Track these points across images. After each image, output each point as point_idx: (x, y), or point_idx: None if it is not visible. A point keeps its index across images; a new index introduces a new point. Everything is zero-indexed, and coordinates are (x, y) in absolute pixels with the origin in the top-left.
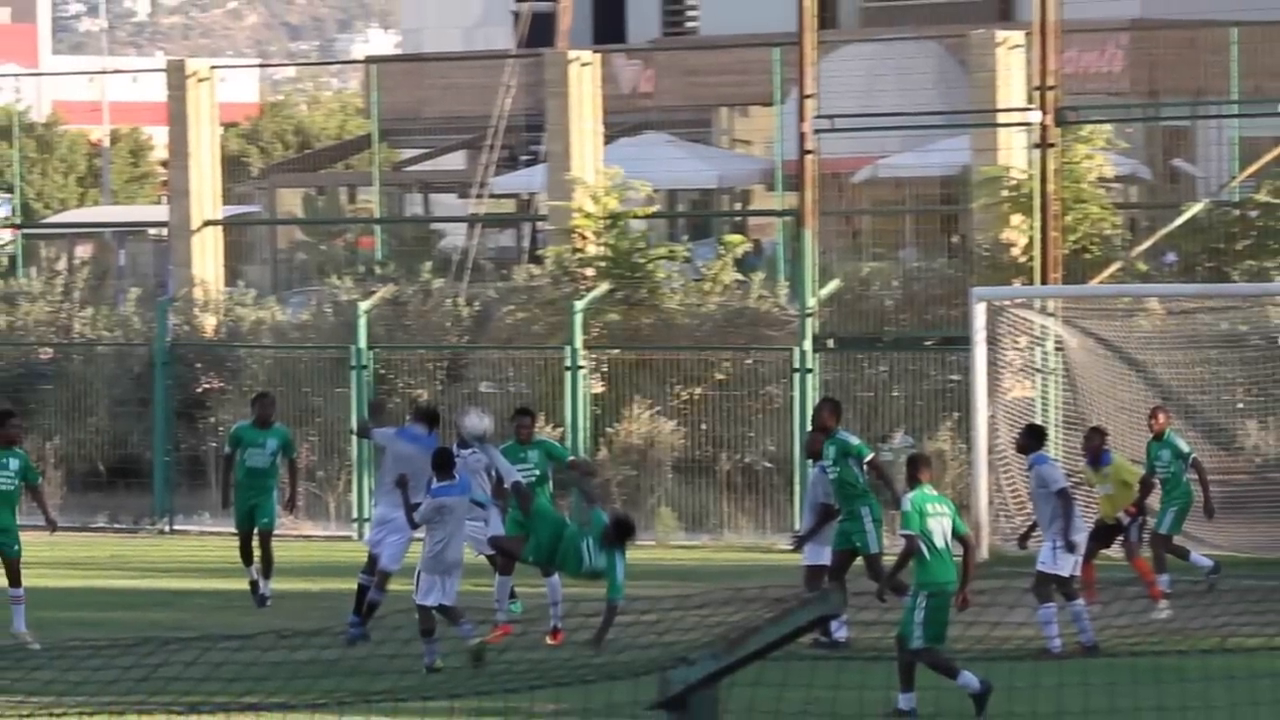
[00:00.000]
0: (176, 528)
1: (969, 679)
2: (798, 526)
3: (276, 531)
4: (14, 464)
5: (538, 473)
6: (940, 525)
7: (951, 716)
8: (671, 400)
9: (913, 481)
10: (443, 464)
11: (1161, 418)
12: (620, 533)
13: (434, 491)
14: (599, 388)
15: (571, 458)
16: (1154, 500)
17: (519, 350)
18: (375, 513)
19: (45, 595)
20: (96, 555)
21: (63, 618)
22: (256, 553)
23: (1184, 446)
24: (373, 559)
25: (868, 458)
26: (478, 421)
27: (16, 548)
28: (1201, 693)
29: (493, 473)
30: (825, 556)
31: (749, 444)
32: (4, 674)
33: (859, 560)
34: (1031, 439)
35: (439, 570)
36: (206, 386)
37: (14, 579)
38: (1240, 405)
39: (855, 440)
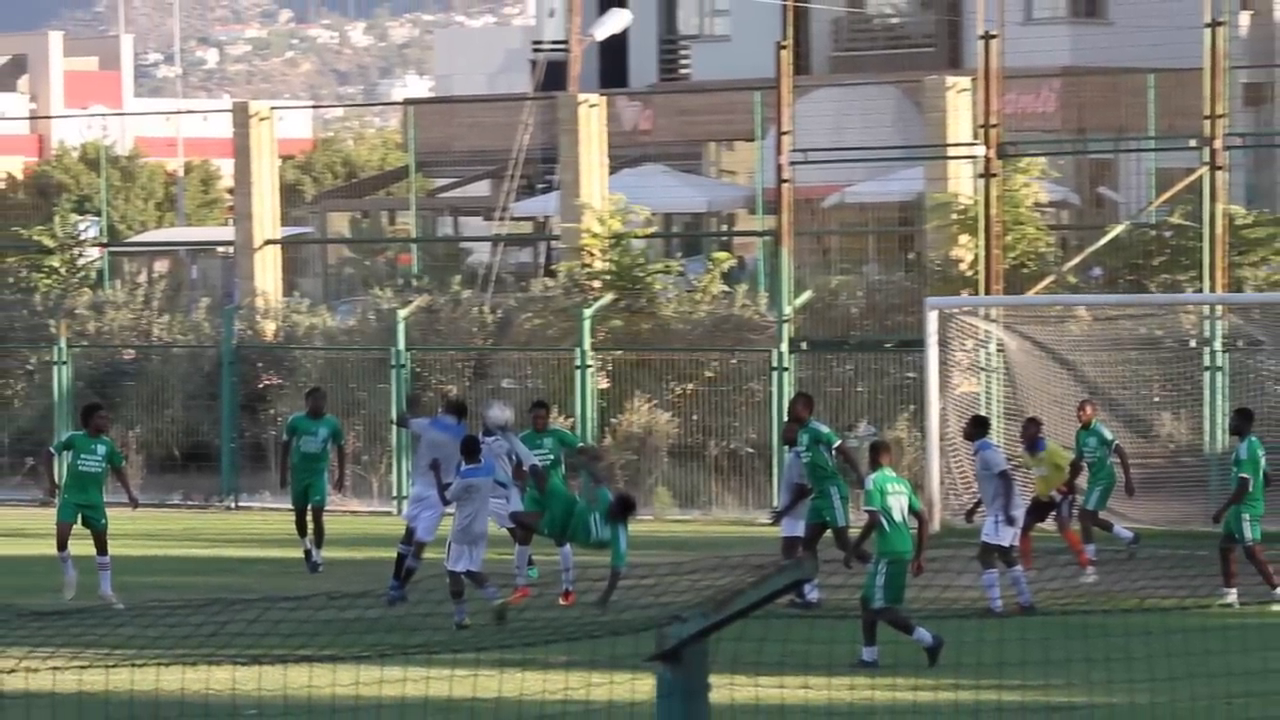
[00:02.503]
0: (241, 505)
1: (923, 635)
2: (776, 503)
3: (327, 508)
4: (101, 449)
5: (552, 457)
6: (898, 502)
7: (909, 667)
8: (667, 395)
9: (874, 465)
10: (470, 450)
11: (1089, 410)
12: (623, 509)
13: (463, 473)
14: (604, 384)
15: (581, 444)
16: (1082, 480)
17: (535, 351)
18: (412, 491)
19: (128, 563)
20: (172, 528)
21: (144, 581)
22: (310, 526)
23: (1108, 434)
24: (410, 531)
25: (836, 444)
26: (500, 413)
27: (103, 521)
28: (1123, 646)
29: (513, 456)
30: (799, 529)
31: (734, 432)
32: (92, 630)
33: (828, 532)
34: (976, 428)
35: (467, 540)
36: (267, 383)
37: (101, 548)
38: (1156, 399)
39: (825, 429)
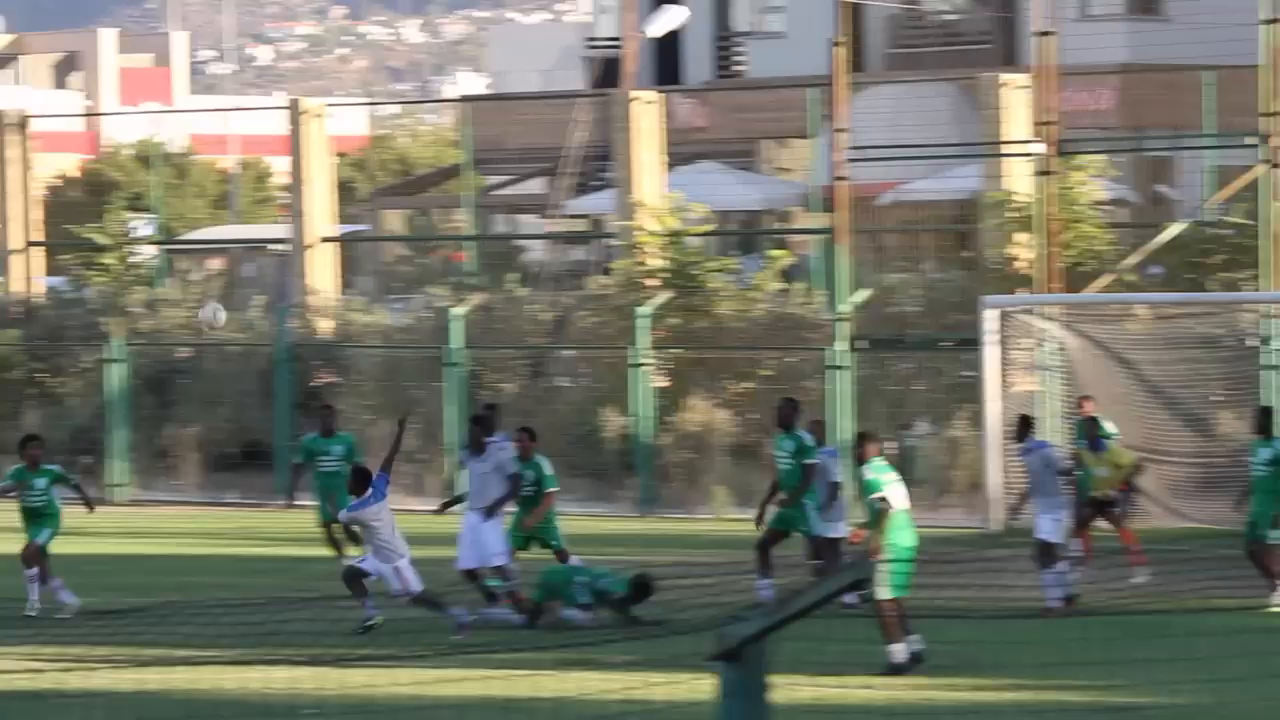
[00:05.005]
0: (297, 503)
1: (900, 651)
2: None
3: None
4: (41, 483)
5: (533, 489)
6: (897, 492)
7: (970, 667)
8: (725, 393)
9: (861, 457)
10: (357, 483)
11: (1087, 405)
12: (641, 593)
13: (350, 507)
14: (662, 382)
15: (551, 490)
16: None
17: (591, 350)
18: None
19: (185, 562)
20: (228, 527)
21: (202, 581)
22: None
23: (1111, 429)
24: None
25: (809, 461)
26: (213, 316)
27: (46, 555)
28: (1185, 647)
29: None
30: (840, 530)
31: None
32: (150, 629)
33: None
34: (1026, 428)
35: (390, 561)
36: (322, 380)
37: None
38: (1216, 398)
39: (810, 442)
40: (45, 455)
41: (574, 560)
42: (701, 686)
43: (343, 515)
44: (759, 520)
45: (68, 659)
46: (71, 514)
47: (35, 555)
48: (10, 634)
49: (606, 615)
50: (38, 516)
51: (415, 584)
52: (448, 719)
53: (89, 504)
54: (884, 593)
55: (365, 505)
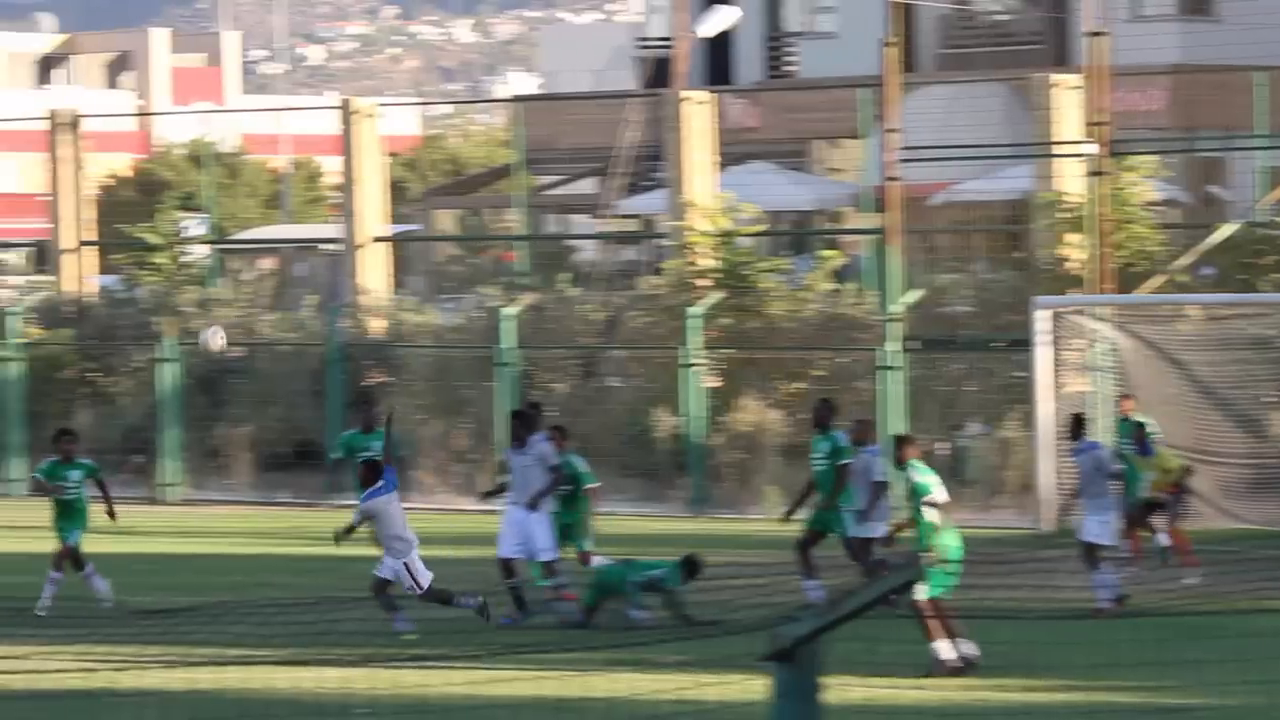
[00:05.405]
0: (348, 503)
1: (945, 647)
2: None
3: (433, 505)
4: (75, 475)
5: (569, 487)
6: (941, 493)
7: (1020, 668)
8: (776, 393)
9: (900, 459)
10: (370, 474)
11: (1128, 405)
12: (691, 573)
13: (364, 497)
14: (714, 383)
15: (591, 485)
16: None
17: (643, 350)
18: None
19: (237, 562)
20: (279, 526)
21: (254, 580)
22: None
23: (1154, 428)
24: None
25: (843, 462)
26: (212, 338)
27: (80, 549)
28: (1236, 648)
29: (545, 462)
30: (879, 530)
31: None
32: (202, 628)
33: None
34: (1080, 426)
35: (401, 556)
36: (374, 380)
37: (78, 565)
38: (1268, 399)
39: (844, 444)
40: (96, 455)
41: (596, 560)
42: (754, 687)
43: (360, 508)
44: (787, 515)
45: (120, 658)
46: (125, 513)
47: (66, 558)
48: (63, 633)
49: (665, 615)
50: (70, 511)
51: (424, 576)
52: (501, 719)
53: (110, 507)
54: (922, 593)
55: (378, 495)
